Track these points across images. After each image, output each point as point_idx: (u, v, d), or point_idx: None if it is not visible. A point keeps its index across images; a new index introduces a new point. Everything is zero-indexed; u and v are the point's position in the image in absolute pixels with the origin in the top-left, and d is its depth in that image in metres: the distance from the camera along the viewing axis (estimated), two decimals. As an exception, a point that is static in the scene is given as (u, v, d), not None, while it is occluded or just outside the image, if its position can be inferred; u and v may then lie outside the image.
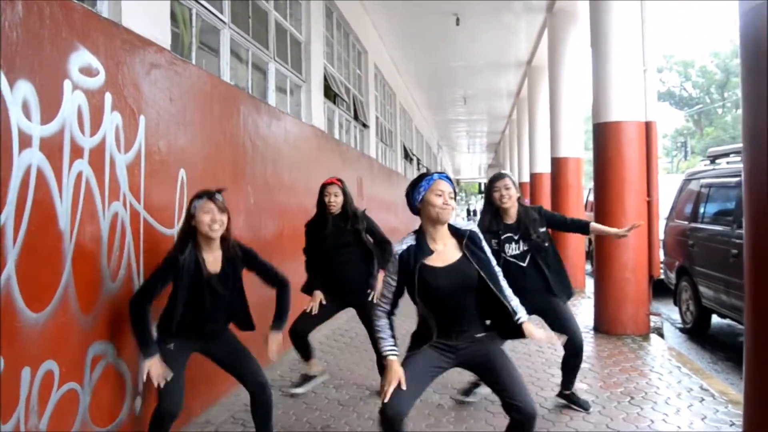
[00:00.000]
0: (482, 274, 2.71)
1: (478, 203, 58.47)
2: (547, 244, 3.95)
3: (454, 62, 13.93)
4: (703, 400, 4.25)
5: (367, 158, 10.22)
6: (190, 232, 2.99)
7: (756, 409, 2.99)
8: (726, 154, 6.99)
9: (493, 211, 3.96)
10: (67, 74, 2.68)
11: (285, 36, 6.39)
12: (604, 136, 6.38)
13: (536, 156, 13.06)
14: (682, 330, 7.38)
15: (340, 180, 4.28)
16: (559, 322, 3.87)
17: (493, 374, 2.73)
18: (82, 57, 2.77)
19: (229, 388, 4.34)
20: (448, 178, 2.77)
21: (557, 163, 9.89)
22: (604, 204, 6.38)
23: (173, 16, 4.05)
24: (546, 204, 11.24)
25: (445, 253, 2.74)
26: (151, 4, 3.47)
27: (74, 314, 2.71)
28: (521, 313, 2.80)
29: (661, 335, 6.47)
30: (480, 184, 51.34)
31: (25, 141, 2.43)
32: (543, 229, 3.97)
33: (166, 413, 2.88)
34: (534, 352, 5.59)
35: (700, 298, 6.72)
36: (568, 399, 4.13)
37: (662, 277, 8.18)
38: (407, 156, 16.19)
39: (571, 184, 9.72)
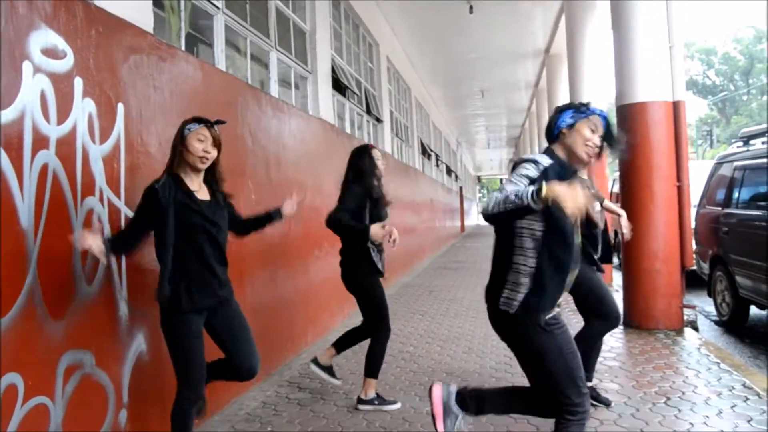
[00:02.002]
0: None
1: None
2: None
3: (470, 54, 13.58)
4: (747, 399, 3.87)
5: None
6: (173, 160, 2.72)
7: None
8: (762, 134, 6.54)
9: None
10: (27, 55, 2.42)
11: (288, 25, 6.10)
12: (628, 118, 6.00)
13: (557, 147, 12.64)
14: (717, 323, 6.94)
15: None
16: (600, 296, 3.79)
17: None
18: (44, 37, 2.51)
19: (231, 398, 4.07)
20: (608, 122, 2.46)
21: (579, 153, 9.46)
22: (630, 191, 6.00)
23: (158, 2, 3.79)
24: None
25: None
26: (128, -16, 3.20)
27: (41, 321, 2.44)
28: None
29: (696, 329, 6.06)
30: (501, 180, 50.74)
31: (-24, 129, 2.17)
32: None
33: (194, 398, 2.67)
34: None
35: (736, 288, 6.28)
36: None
37: (694, 267, 7.76)
38: (425, 152, 15.84)
39: (595, 174, 9.28)
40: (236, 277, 4.08)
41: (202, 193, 2.77)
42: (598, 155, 2.44)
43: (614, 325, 3.79)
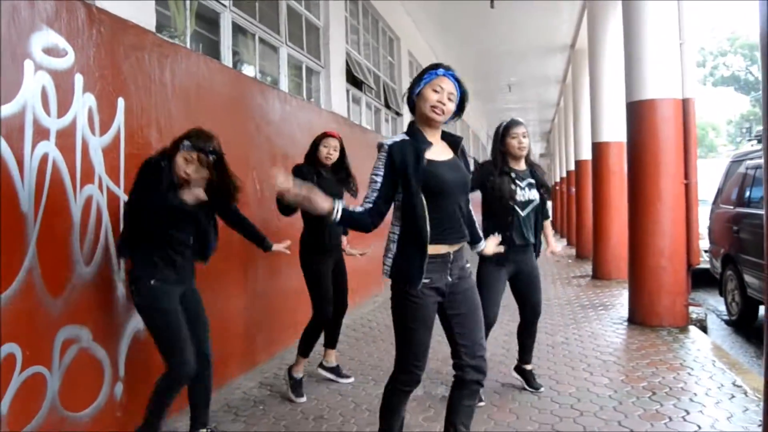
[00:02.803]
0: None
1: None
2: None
3: (496, 48, 13.53)
4: (733, 397, 3.90)
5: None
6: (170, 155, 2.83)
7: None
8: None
9: (503, 157, 3.84)
10: (29, 54, 2.63)
11: (299, 21, 6.28)
12: (637, 115, 6.00)
13: (581, 142, 12.56)
14: (727, 322, 6.91)
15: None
16: (530, 288, 3.96)
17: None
18: (45, 36, 2.72)
19: (226, 379, 4.29)
20: (456, 79, 2.51)
21: (598, 148, 9.43)
22: (637, 188, 6.00)
23: (163, 2, 3.99)
24: (588, 191, 10.80)
25: (440, 150, 2.54)
26: (131, -15, 3.41)
27: (40, 297, 2.67)
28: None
29: (704, 328, 6.05)
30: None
31: (-21, 121, 2.39)
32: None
33: (182, 376, 2.82)
34: (558, 344, 5.32)
35: (745, 287, 6.25)
36: (524, 375, 4.13)
37: (708, 266, 7.71)
38: (449, 146, 15.88)
39: (614, 171, 9.22)
40: (238, 266, 4.30)
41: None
42: (459, 114, 2.58)
43: (531, 320, 4.04)
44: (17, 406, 2.53)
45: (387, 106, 9.52)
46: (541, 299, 4.03)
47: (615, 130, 9.22)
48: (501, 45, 13.30)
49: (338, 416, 3.72)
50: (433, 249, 2.45)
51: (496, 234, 3.32)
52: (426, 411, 3.76)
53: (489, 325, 3.70)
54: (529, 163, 3.90)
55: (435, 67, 2.53)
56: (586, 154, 11.48)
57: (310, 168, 3.96)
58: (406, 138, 2.48)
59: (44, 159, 2.70)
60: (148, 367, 3.25)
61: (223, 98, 4.29)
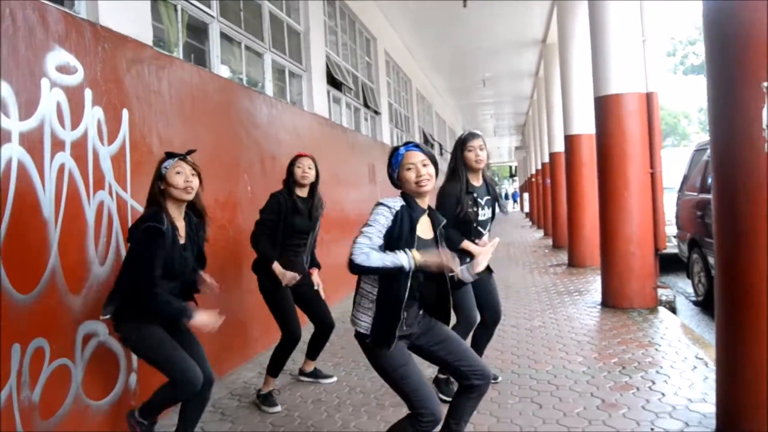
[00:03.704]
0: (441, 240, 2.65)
1: (510, 186, 58.04)
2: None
3: (470, 45, 13.89)
4: (695, 368, 4.27)
5: (380, 144, 10.33)
6: (159, 197, 2.82)
7: (726, 372, 3.06)
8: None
9: (464, 173, 3.83)
10: (44, 73, 2.87)
11: (282, 26, 6.53)
12: (604, 109, 6.36)
13: (554, 135, 12.96)
14: (695, 303, 7.33)
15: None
16: (492, 295, 3.97)
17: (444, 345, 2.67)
18: (58, 56, 2.96)
19: (232, 366, 4.55)
20: (417, 146, 2.64)
21: (570, 141, 9.83)
22: (606, 178, 6.37)
23: (157, 14, 4.23)
24: (562, 183, 11.19)
25: (425, 226, 2.63)
26: (130, 3, 3.65)
27: (63, 295, 2.92)
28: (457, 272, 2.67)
29: (673, 309, 6.44)
30: (511, 167, 50.95)
31: (5, 137, 2.63)
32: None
33: (189, 390, 2.78)
34: (536, 328, 5.66)
35: (710, 270, 6.66)
36: (439, 382, 4.03)
37: (676, 251, 8.14)
38: (426, 142, 16.22)
39: (585, 162, 9.62)
40: (236, 263, 4.55)
41: (181, 230, 2.89)
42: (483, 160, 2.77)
43: (492, 324, 4.02)
44: (47, 395, 2.78)
45: (366, 105, 9.80)
46: (500, 304, 4.07)
47: (586, 123, 9.60)
48: (474, 42, 13.65)
49: (323, 412, 3.85)
50: (407, 310, 2.52)
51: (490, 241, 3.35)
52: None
53: (471, 326, 3.86)
54: (485, 179, 3.92)
55: (396, 149, 2.65)
56: (559, 147, 11.88)
57: (288, 197, 3.93)
58: (403, 203, 2.55)
59: (61, 168, 2.95)
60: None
61: (214, 105, 4.54)
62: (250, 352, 4.97)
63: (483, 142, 3.87)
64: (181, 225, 2.88)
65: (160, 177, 2.83)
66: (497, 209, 4.00)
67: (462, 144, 3.84)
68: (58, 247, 2.89)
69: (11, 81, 2.67)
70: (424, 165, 2.57)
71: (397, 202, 2.54)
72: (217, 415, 3.80)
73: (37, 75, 2.84)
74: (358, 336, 2.54)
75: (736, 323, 2.99)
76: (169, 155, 2.88)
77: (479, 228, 3.79)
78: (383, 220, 2.47)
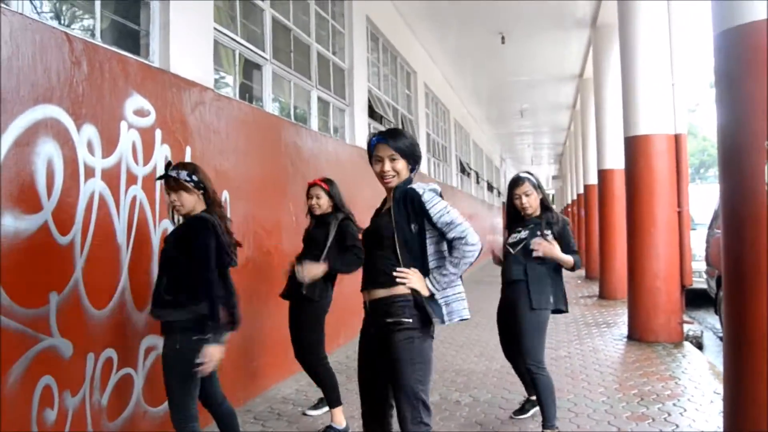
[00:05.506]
0: (396, 231, 2.51)
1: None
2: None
3: (508, 78, 14.24)
4: (712, 402, 4.43)
5: (418, 175, 10.64)
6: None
7: (734, 406, 3.26)
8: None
9: (515, 212, 3.87)
10: (123, 116, 3.31)
11: (327, 65, 6.98)
12: (633, 149, 6.59)
13: (588, 167, 13.15)
14: (722, 339, 7.40)
15: (325, 181, 3.96)
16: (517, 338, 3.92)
17: None
18: (135, 101, 3.40)
19: (271, 384, 4.89)
20: (387, 138, 2.53)
21: (603, 175, 10.03)
22: (634, 214, 6.57)
23: (218, 59, 4.68)
24: (595, 215, 11.32)
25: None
26: (196, 51, 4.09)
27: (130, 312, 3.32)
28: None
29: (700, 344, 6.56)
30: (551, 195, 50.69)
31: (90, 172, 3.05)
32: (549, 234, 3.73)
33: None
34: (561, 358, 5.86)
35: (737, 307, 6.75)
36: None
37: (704, 286, 8.23)
38: (463, 170, 16.52)
39: (617, 196, 9.72)
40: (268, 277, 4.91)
41: None
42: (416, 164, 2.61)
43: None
44: (113, 401, 3.17)
45: (404, 135, 10.18)
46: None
47: (618, 158, 9.74)
48: (512, 75, 13.99)
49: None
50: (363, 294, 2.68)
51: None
52: (442, 412, 4.33)
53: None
54: (544, 211, 3.82)
55: (369, 140, 2.63)
56: (593, 179, 12.05)
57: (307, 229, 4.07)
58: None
59: (134, 200, 3.37)
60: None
61: (265, 140, 4.96)
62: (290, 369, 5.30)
63: (531, 185, 3.75)
64: None
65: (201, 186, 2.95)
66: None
67: (509, 190, 3.84)
68: (128, 269, 3.30)
69: (97, 124, 3.11)
70: (392, 160, 2.49)
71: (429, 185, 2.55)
72: (258, 426, 4.15)
73: (118, 118, 3.27)
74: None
75: (740, 361, 3.19)
76: (159, 177, 3.00)
77: (509, 247, 3.80)
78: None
